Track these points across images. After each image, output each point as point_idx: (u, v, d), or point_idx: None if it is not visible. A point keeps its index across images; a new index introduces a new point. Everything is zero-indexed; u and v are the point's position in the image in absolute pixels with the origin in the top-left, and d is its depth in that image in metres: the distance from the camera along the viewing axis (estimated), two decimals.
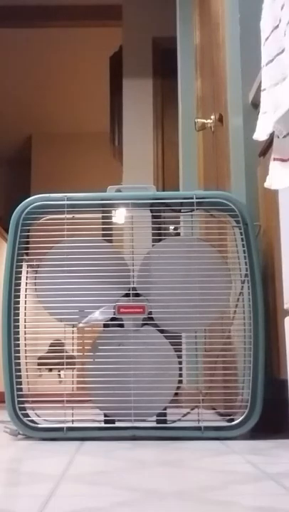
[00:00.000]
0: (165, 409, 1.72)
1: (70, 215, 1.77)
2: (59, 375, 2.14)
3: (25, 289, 1.74)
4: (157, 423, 1.70)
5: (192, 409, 1.69)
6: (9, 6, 4.62)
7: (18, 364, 1.70)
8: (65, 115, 6.72)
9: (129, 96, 4.30)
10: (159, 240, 1.77)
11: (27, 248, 1.77)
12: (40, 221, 1.78)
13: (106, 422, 1.71)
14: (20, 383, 1.70)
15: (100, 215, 1.81)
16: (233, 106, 2.14)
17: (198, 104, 3.27)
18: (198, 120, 2.88)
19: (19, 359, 1.70)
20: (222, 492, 0.94)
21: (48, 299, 1.72)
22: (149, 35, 4.32)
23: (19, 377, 1.70)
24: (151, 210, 1.78)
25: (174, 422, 1.71)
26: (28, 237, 1.77)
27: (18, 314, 1.72)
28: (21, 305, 1.72)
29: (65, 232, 1.75)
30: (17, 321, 1.71)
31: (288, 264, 1.40)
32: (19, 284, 1.73)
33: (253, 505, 0.86)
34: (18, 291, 1.73)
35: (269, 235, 1.75)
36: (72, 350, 1.82)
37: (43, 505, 0.85)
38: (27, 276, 1.76)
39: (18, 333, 1.71)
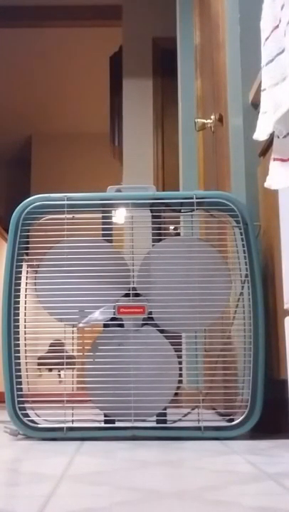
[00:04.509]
0: (165, 409, 1.72)
1: (70, 215, 1.77)
2: (59, 375, 2.14)
3: (25, 289, 1.75)
4: (157, 423, 1.70)
5: (192, 409, 1.69)
6: (9, 6, 4.63)
7: (18, 364, 1.70)
8: (65, 115, 6.72)
9: (129, 96, 4.30)
10: (159, 240, 1.77)
11: (27, 248, 1.77)
12: (40, 221, 1.78)
13: (106, 422, 1.71)
14: (20, 383, 1.70)
15: (100, 215, 1.81)
16: (233, 106, 2.14)
17: (198, 104, 3.27)
18: (198, 120, 2.88)
19: (19, 359, 1.70)
20: (222, 492, 0.94)
21: (48, 299, 1.72)
22: (149, 35, 4.32)
23: (19, 377, 1.70)
24: (151, 210, 1.78)
25: (174, 422, 1.71)
26: (28, 237, 1.77)
27: (18, 314, 1.72)
28: (21, 305, 1.73)
29: (65, 232, 1.75)
30: (17, 321, 1.71)
31: (288, 264, 1.40)
32: (19, 284, 1.73)
33: (253, 505, 0.86)
34: (18, 291, 1.73)
35: (269, 235, 1.75)
36: (72, 350, 1.82)
37: (43, 505, 0.85)
38: (27, 276, 1.76)
39: (18, 333, 1.71)
